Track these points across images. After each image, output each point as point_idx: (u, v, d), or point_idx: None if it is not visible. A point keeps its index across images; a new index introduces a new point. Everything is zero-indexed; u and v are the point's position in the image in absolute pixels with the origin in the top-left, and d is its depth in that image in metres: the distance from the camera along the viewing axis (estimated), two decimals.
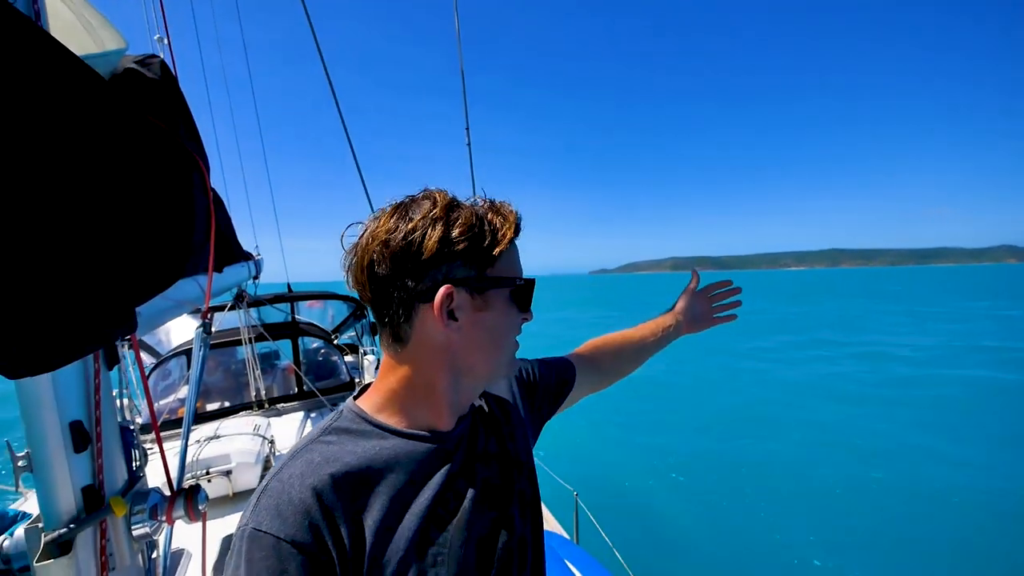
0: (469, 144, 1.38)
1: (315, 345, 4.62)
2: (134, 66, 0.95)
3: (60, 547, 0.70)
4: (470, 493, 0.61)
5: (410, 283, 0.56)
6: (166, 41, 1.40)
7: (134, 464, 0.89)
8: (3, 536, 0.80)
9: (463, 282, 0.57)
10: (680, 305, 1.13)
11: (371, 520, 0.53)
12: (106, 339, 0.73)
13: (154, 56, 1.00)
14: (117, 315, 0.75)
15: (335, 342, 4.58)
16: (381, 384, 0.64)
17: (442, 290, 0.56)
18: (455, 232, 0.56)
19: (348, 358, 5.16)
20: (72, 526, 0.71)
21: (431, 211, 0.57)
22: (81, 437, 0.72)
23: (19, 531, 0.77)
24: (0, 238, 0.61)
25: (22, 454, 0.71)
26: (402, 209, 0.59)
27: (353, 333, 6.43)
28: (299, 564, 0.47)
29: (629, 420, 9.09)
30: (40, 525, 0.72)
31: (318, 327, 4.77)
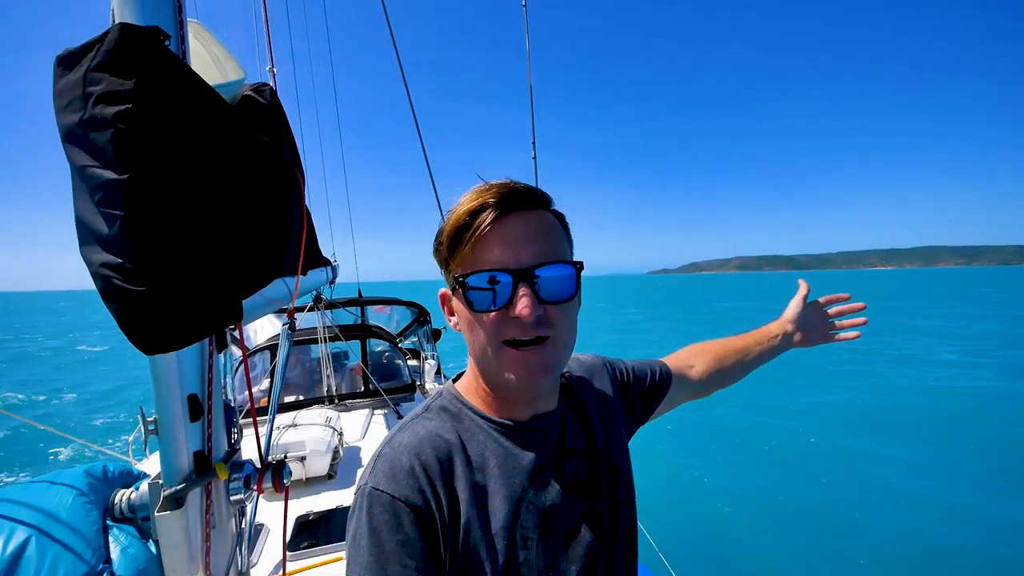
0: (535, 157, 1.44)
1: (380, 348, 4.88)
2: (250, 93, 1.10)
3: (176, 501, 0.82)
4: (558, 485, 0.62)
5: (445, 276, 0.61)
6: (274, 70, 1.61)
7: (233, 438, 1.01)
8: (131, 489, 0.94)
9: (450, 282, 0.59)
10: (790, 313, 1.01)
11: (466, 495, 0.56)
12: (220, 325, 0.85)
13: (265, 84, 1.16)
14: (229, 306, 0.87)
15: (399, 346, 4.81)
16: (468, 368, 0.67)
17: (441, 292, 0.63)
18: (437, 236, 0.60)
19: (411, 362, 5.39)
20: (185, 484, 0.82)
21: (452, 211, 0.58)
22: (196, 409, 0.85)
23: (143, 486, 0.91)
24: (157, 231, 0.74)
25: (151, 419, 0.84)
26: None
27: (415, 339, 6.71)
28: (412, 520, 0.52)
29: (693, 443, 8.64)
30: (160, 482, 0.84)
31: (385, 330, 5.04)
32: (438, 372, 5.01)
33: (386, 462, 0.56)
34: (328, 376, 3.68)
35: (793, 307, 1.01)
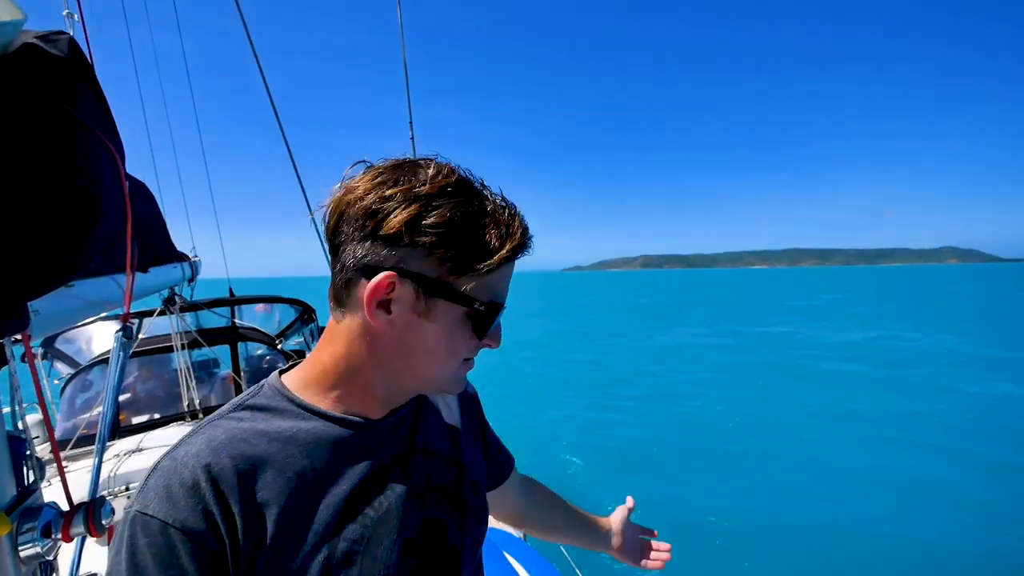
0: (412, 138, 1.35)
1: (260, 352, 4.39)
2: (35, 42, 0.87)
3: None
4: (400, 489, 0.57)
5: (359, 251, 0.50)
6: (77, 17, 1.29)
7: (27, 479, 0.80)
8: None
9: (413, 277, 0.50)
10: (617, 523, 1.01)
11: (274, 509, 0.48)
12: None
13: (61, 32, 0.92)
14: (4, 310, 0.67)
15: (279, 347, 4.37)
16: (314, 357, 0.58)
17: (382, 275, 0.49)
18: (429, 220, 0.48)
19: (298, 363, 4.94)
20: None
21: (420, 185, 0.49)
22: None
23: None
24: None
25: None
26: (398, 171, 0.51)
27: (301, 339, 6.16)
28: (189, 552, 0.43)
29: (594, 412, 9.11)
30: None
31: (260, 331, 4.54)
32: None
33: (161, 478, 0.47)
34: (190, 388, 3.21)
35: (619, 517, 1.02)
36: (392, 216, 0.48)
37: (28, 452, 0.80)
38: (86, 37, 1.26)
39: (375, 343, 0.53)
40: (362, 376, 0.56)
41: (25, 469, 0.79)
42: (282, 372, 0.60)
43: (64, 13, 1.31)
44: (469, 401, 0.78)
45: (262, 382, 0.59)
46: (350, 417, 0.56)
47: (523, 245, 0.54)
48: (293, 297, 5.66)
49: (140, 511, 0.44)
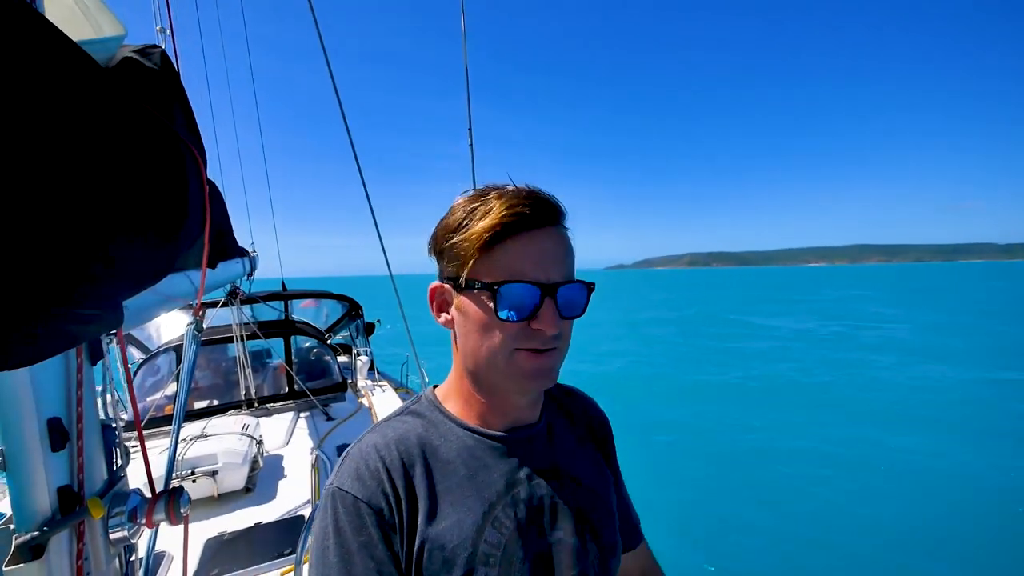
0: (472, 145, 1.36)
1: (308, 344, 4.57)
2: (133, 55, 0.93)
3: (32, 550, 0.66)
4: (534, 506, 0.60)
5: (438, 267, 0.63)
6: (168, 32, 1.39)
7: (115, 464, 0.86)
8: None
9: (444, 279, 0.61)
10: None
11: (429, 502, 0.56)
12: (89, 334, 0.70)
13: (155, 46, 0.98)
14: (102, 309, 0.72)
15: (328, 342, 4.54)
16: (453, 373, 0.66)
17: (431, 285, 0.62)
18: (438, 230, 0.60)
19: (342, 358, 5.11)
20: (46, 528, 0.67)
21: (457, 205, 0.59)
22: (59, 435, 0.69)
23: None
24: (13, 225, 0.59)
25: None
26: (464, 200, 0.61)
27: (347, 333, 6.38)
28: (374, 522, 0.53)
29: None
30: (12, 527, 0.69)
31: (311, 326, 4.72)
32: (371, 368, 4.79)
33: (352, 462, 0.57)
34: (246, 378, 3.38)
35: None
36: (431, 236, 0.62)
37: (117, 439, 0.86)
38: (175, 50, 1.35)
39: (456, 343, 0.63)
40: (465, 382, 0.63)
41: (115, 455, 0.85)
42: (434, 387, 0.69)
43: (157, 28, 1.40)
44: (594, 423, 0.76)
45: (421, 392, 0.67)
46: (480, 428, 0.62)
47: (503, 220, 0.54)
48: (342, 294, 5.86)
49: (339, 487, 0.55)
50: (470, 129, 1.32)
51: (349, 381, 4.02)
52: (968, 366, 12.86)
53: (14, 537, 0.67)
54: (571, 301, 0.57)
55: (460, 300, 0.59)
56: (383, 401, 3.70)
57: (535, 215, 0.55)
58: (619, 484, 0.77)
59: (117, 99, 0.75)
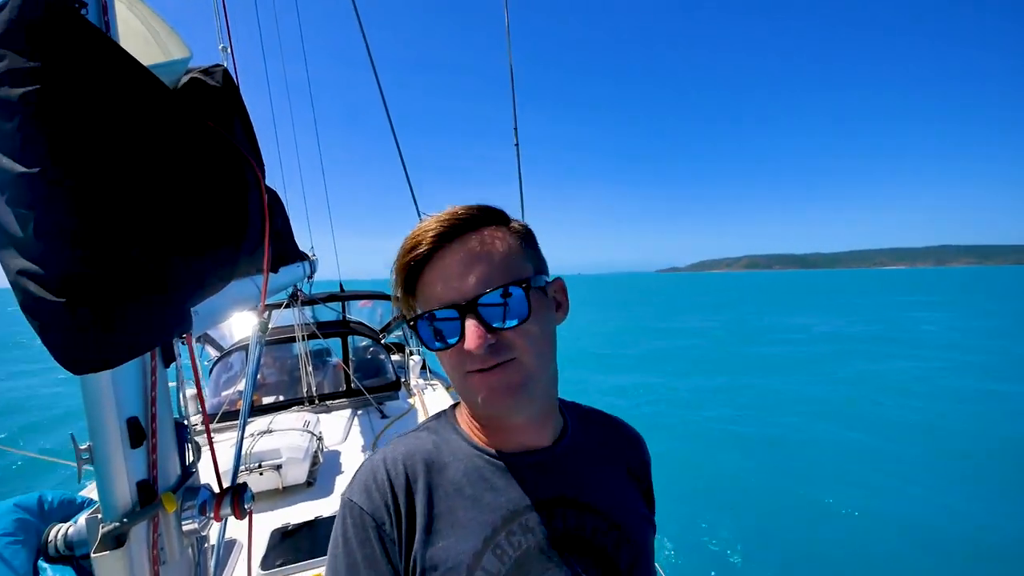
0: (517, 144, 1.35)
1: (364, 344, 4.75)
2: (198, 75, 0.99)
3: (115, 540, 0.72)
4: (540, 535, 0.56)
5: None
6: (229, 51, 1.48)
7: (187, 459, 0.92)
8: (69, 523, 0.84)
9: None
10: None
11: (428, 520, 0.55)
12: (162, 339, 0.75)
13: (218, 65, 1.04)
14: (174, 315, 0.77)
15: (382, 341, 4.69)
16: None
17: None
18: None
19: (395, 357, 5.28)
20: (126, 520, 0.73)
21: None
22: (137, 433, 0.75)
23: (81, 520, 0.81)
24: (75, 233, 0.64)
25: (84, 447, 0.74)
26: None
27: (400, 332, 6.57)
28: (376, 536, 0.54)
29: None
30: (99, 516, 0.75)
31: (367, 326, 4.91)
32: (424, 368, 4.91)
33: (363, 475, 0.58)
34: (308, 375, 3.56)
35: None
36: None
37: (189, 435, 0.92)
38: (235, 67, 1.44)
39: None
40: (465, 409, 0.63)
41: (187, 452, 0.91)
42: (455, 404, 0.68)
43: (220, 48, 1.50)
44: (633, 458, 0.69)
45: (442, 410, 0.66)
46: (488, 449, 0.60)
47: (416, 244, 0.54)
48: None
49: (350, 498, 0.57)
50: (515, 130, 1.30)
51: (402, 380, 4.13)
52: None
53: (101, 527, 0.73)
54: (501, 309, 0.53)
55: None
56: (434, 400, 3.77)
57: (438, 235, 0.54)
58: (649, 501, 0.72)
59: (183, 117, 0.80)
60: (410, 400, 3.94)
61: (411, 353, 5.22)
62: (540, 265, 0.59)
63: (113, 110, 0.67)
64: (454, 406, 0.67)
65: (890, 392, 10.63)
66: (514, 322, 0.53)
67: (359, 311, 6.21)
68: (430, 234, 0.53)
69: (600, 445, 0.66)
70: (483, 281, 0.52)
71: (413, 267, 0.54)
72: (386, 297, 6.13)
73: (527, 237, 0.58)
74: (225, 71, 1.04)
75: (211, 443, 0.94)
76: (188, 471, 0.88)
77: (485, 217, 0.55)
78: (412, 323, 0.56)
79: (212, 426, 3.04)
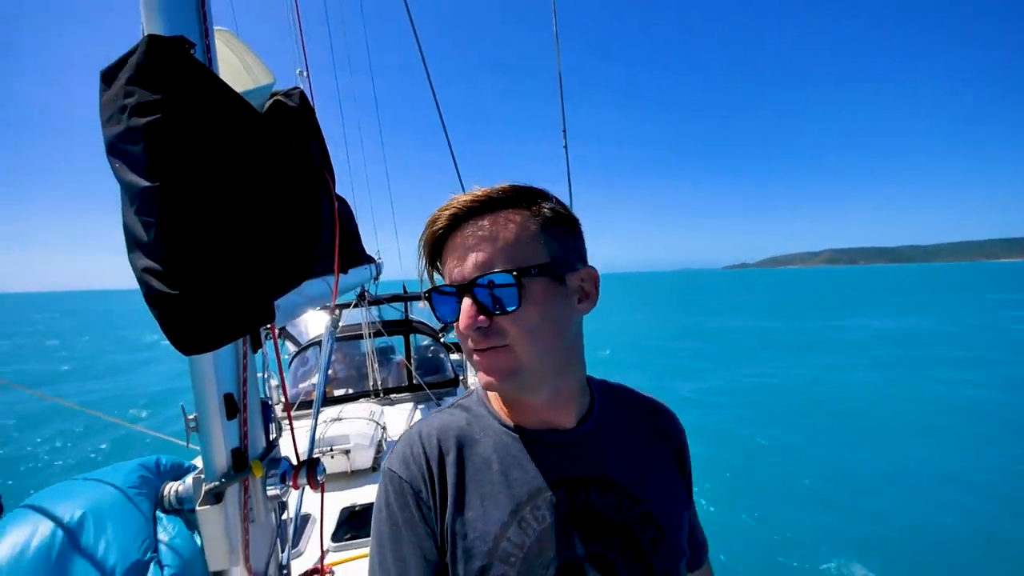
0: (566, 147, 1.38)
1: (426, 342, 4.97)
2: (280, 98, 1.12)
3: (215, 496, 0.85)
4: (561, 511, 0.57)
5: None
6: (306, 74, 1.65)
7: (271, 435, 1.05)
8: (179, 483, 0.99)
9: None
10: None
11: (459, 491, 0.58)
12: (252, 326, 0.87)
13: (295, 88, 1.18)
14: (260, 307, 0.89)
15: (442, 340, 4.88)
16: None
17: None
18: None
19: (454, 356, 5.48)
20: (223, 480, 0.85)
21: None
22: (231, 407, 0.87)
23: (189, 480, 0.95)
24: (186, 236, 0.77)
25: (192, 417, 0.87)
26: None
27: None
28: (414, 502, 0.58)
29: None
30: (202, 476, 0.88)
31: (428, 326, 5.13)
32: None
33: (401, 447, 0.62)
34: (374, 371, 3.80)
35: None
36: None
37: (273, 415, 1.04)
38: (310, 87, 1.61)
39: None
40: None
41: (270, 428, 1.04)
42: None
43: (297, 72, 1.69)
44: (662, 434, 0.69)
45: (475, 389, 0.69)
46: (515, 426, 0.62)
47: (427, 236, 0.57)
48: None
49: (389, 467, 0.61)
50: (564, 132, 1.34)
51: (460, 377, 4.29)
52: None
53: (204, 485, 0.86)
54: (495, 294, 0.52)
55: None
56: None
57: (455, 214, 0.55)
58: (686, 482, 0.70)
59: (270, 138, 0.92)
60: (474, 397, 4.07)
61: None
62: (564, 252, 0.56)
63: (215, 133, 0.80)
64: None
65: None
66: (505, 309, 0.53)
67: (420, 311, 6.49)
68: (447, 212, 0.55)
69: (628, 423, 0.67)
70: (481, 264, 0.53)
71: (432, 242, 0.57)
72: None
73: (554, 221, 0.56)
74: (302, 93, 1.17)
75: (291, 421, 1.07)
76: (272, 444, 1.01)
77: (508, 199, 0.55)
78: (427, 295, 0.58)
79: (295, 414, 3.35)
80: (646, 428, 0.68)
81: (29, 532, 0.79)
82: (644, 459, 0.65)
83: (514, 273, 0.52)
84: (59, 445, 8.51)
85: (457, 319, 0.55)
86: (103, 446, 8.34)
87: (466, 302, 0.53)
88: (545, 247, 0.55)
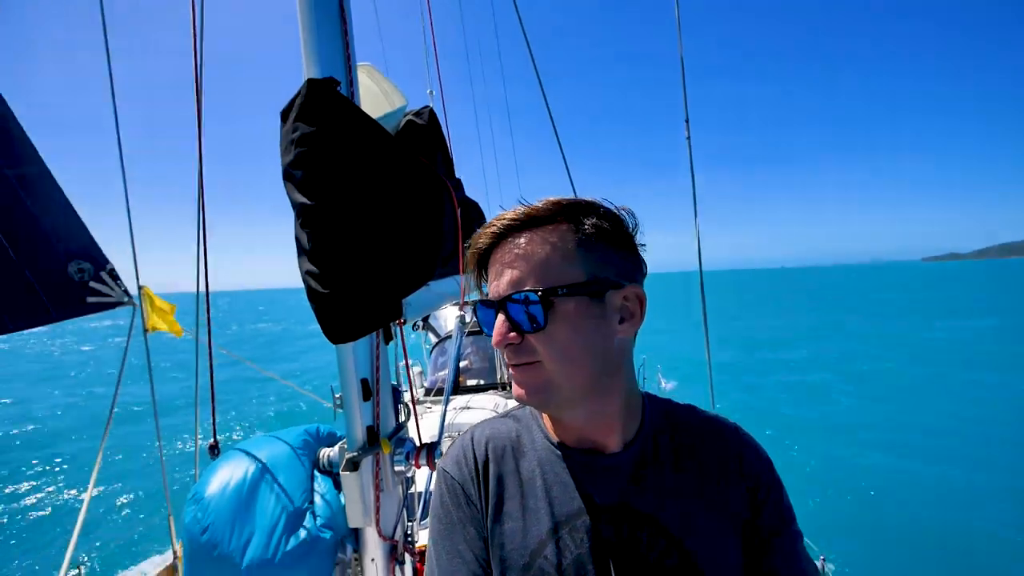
0: (688, 138, 1.28)
1: None
2: (412, 117, 1.26)
3: (353, 464, 1.00)
4: (599, 542, 0.55)
5: None
6: (435, 93, 1.82)
7: (401, 418, 1.19)
8: (332, 449, 1.19)
9: None
10: None
11: (500, 499, 0.60)
12: (383, 322, 1.00)
13: (425, 107, 1.31)
14: (390, 306, 1.01)
15: None
16: None
17: None
18: None
19: None
20: (359, 452, 1.00)
21: None
22: (366, 390, 1.02)
23: (336, 448, 1.13)
24: (333, 245, 0.92)
25: (337, 396, 1.04)
26: None
27: None
28: (465, 502, 0.61)
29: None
30: (345, 447, 1.04)
31: None
32: None
33: (455, 449, 0.65)
34: (502, 364, 4.01)
35: None
36: None
37: (402, 400, 1.18)
38: (443, 104, 1.77)
39: None
40: None
41: (400, 411, 1.17)
42: None
43: (428, 92, 1.87)
44: (728, 467, 0.61)
45: None
46: (560, 444, 0.61)
47: (473, 252, 0.58)
48: None
49: (443, 468, 0.65)
50: (687, 122, 1.23)
51: None
52: None
53: (345, 454, 1.02)
54: (520, 314, 0.53)
55: None
56: None
57: (495, 233, 0.55)
58: (768, 548, 0.58)
59: (402, 157, 1.04)
60: None
61: None
62: (604, 270, 0.54)
63: (356, 158, 0.94)
64: None
65: None
66: (531, 328, 0.52)
67: None
68: (489, 231, 0.56)
69: (684, 453, 0.60)
70: (515, 282, 0.53)
71: (476, 258, 0.59)
72: None
73: (597, 237, 0.54)
74: (431, 111, 1.29)
75: (414, 406, 1.20)
76: (400, 426, 1.15)
77: (549, 216, 0.54)
78: (473, 306, 0.60)
79: (428, 399, 3.71)
80: (707, 459, 0.60)
81: (232, 468, 1.04)
82: (697, 496, 0.58)
83: (540, 292, 0.51)
84: (260, 405, 11.09)
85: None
86: (283, 410, 10.54)
87: (499, 319, 0.54)
88: (582, 265, 0.53)
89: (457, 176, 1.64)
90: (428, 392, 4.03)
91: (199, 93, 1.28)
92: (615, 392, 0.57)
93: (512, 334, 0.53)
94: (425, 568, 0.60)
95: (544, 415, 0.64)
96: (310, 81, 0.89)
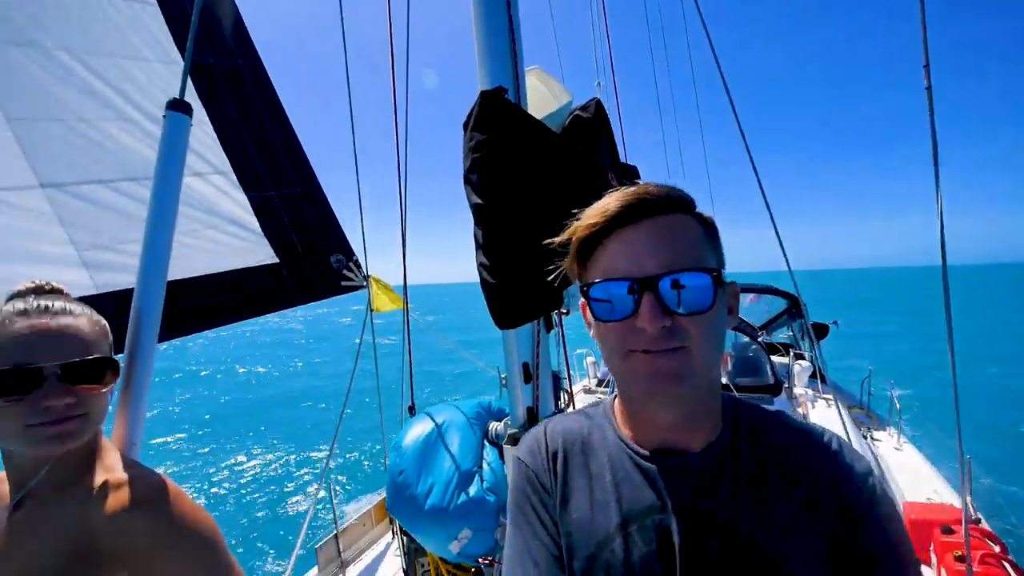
0: (929, 87, 0.97)
1: (746, 341, 4.50)
2: (579, 112, 1.28)
3: (514, 440, 1.09)
4: (668, 542, 0.53)
5: None
6: (602, 85, 1.80)
7: (561, 403, 1.24)
8: (499, 423, 1.32)
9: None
10: None
11: (568, 493, 0.60)
12: (543, 311, 1.06)
13: (592, 100, 1.31)
14: (551, 296, 1.07)
15: (759, 339, 4.30)
16: None
17: (581, 301, 0.59)
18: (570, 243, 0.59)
19: (781, 359, 4.72)
20: (519, 429, 1.09)
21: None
22: (527, 374, 1.09)
23: (502, 424, 1.25)
24: (501, 240, 1.01)
25: (503, 376, 1.15)
26: None
27: (789, 332, 5.79)
28: (536, 488, 0.62)
29: None
30: (508, 423, 1.15)
31: (744, 322, 4.61)
32: (814, 375, 4.16)
33: (531, 440, 0.66)
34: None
35: None
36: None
37: (561, 385, 1.24)
38: (616, 92, 1.74)
39: None
40: (620, 396, 0.62)
41: (560, 396, 1.23)
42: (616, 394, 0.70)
43: (595, 84, 1.85)
44: (813, 483, 0.54)
45: (603, 400, 0.70)
46: (631, 442, 0.58)
47: (607, 214, 0.51)
48: (784, 290, 5.38)
49: (518, 457, 0.65)
50: (926, 65, 0.90)
51: (784, 385, 3.67)
52: None
53: (508, 430, 1.12)
54: (683, 293, 0.49)
55: (584, 306, 0.57)
56: (822, 417, 3.16)
57: (627, 210, 0.51)
58: (861, 548, 0.51)
59: (564, 151, 1.08)
60: (799, 410, 3.46)
61: (799, 356, 4.53)
62: (722, 260, 0.55)
63: (522, 159, 1.01)
64: (614, 398, 0.66)
65: None
66: (694, 309, 0.50)
67: (745, 309, 5.89)
68: (619, 205, 0.52)
69: (768, 463, 0.56)
70: (668, 261, 0.50)
71: (594, 236, 0.53)
72: (773, 292, 5.53)
73: (712, 229, 0.55)
74: (598, 103, 1.29)
75: (571, 395, 1.24)
76: (558, 410, 1.20)
77: (674, 201, 0.53)
78: (585, 289, 0.54)
79: (600, 389, 3.73)
80: (796, 471, 0.55)
81: (422, 427, 1.25)
82: (782, 510, 0.53)
83: (714, 273, 0.50)
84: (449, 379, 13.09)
85: (624, 318, 0.51)
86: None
87: (649, 298, 0.50)
88: (712, 254, 0.53)
89: (632, 163, 1.60)
90: (600, 383, 4.04)
91: (402, 124, 1.54)
92: (717, 388, 0.57)
93: (666, 317, 0.50)
94: (505, 549, 0.64)
95: (618, 414, 0.62)
96: (483, 93, 0.99)
